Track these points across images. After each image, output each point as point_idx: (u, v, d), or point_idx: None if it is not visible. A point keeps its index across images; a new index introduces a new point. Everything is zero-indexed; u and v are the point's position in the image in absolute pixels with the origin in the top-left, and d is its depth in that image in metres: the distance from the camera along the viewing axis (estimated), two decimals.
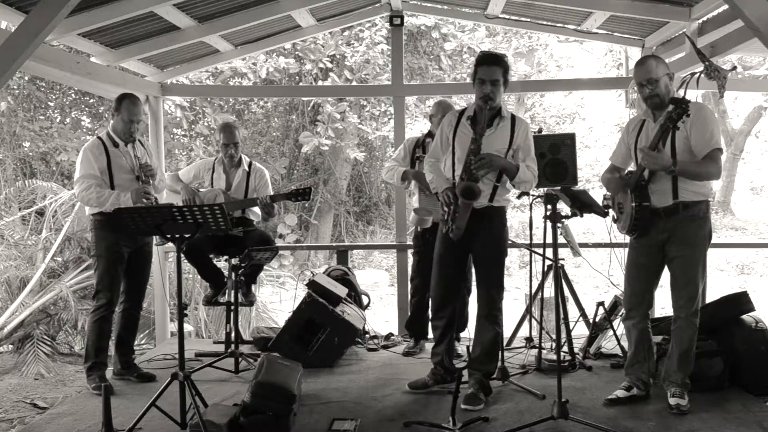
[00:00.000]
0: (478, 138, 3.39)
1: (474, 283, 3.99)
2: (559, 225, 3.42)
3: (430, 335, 4.16)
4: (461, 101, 13.49)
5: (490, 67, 3.41)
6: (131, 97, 4.06)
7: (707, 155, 3.27)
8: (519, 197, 4.21)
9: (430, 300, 3.92)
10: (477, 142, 3.39)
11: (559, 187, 3.55)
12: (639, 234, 3.47)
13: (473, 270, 3.83)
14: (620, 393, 3.52)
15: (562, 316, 3.90)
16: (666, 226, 3.38)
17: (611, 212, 3.67)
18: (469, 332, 4.03)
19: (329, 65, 10.91)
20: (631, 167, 3.62)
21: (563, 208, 3.45)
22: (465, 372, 3.53)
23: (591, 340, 4.51)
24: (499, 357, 3.74)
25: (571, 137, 4.02)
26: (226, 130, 4.62)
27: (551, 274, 4.26)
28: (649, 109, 3.43)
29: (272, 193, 4.62)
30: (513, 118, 3.56)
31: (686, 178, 3.30)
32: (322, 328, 4.39)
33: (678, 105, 3.12)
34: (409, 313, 4.84)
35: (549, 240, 3.60)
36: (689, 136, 3.29)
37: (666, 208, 3.36)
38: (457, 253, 3.62)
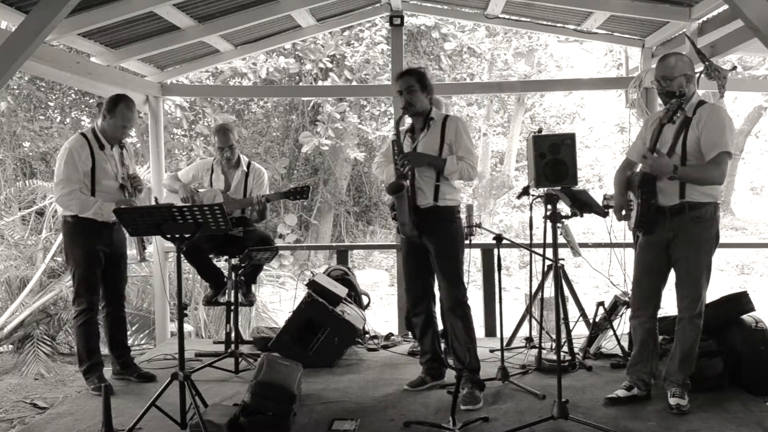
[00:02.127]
0: (397, 138, 3.72)
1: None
2: (559, 225, 3.42)
3: None
4: (461, 101, 13.54)
5: (404, 77, 3.72)
6: (127, 100, 3.94)
7: (713, 158, 3.24)
8: (519, 197, 4.22)
9: None
10: (398, 142, 3.71)
11: (559, 187, 3.54)
12: (645, 231, 3.47)
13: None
14: (621, 393, 3.51)
15: (562, 316, 3.90)
16: (671, 225, 3.36)
17: (611, 212, 3.67)
18: None
19: (329, 65, 10.91)
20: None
21: (563, 208, 3.45)
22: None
23: (591, 340, 4.50)
24: (476, 347, 3.74)
25: (571, 137, 4.01)
26: (220, 133, 4.61)
27: (551, 274, 4.25)
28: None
29: (268, 194, 4.60)
30: (445, 118, 3.76)
31: (687, 182, 3.29)
32: (322, 328, 4.39)
33: (674, 99, 3.14)
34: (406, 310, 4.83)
35: (549, 240, 3.60)
36: (700, 136, 3.27)
37: (672, 207, 3.34)
38: (417, 254, 3.78)
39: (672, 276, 3.50)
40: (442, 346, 4.01)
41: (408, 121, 3.91)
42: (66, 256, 4.04)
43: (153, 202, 4.85)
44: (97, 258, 3.92)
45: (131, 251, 4.34)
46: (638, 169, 3.55)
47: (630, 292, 3.81)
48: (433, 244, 3.69)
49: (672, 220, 3.35)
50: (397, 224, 3.75)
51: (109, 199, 3.88)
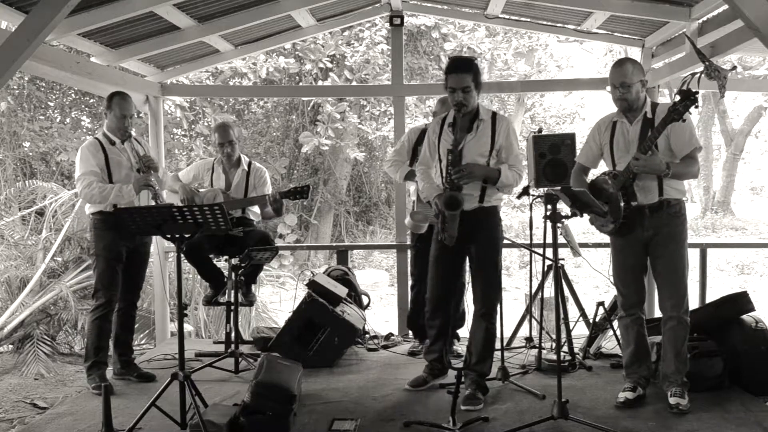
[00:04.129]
0: (455, 148, 3.42)
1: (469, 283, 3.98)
2: (559, 225, 3.42)
3: None
4: None
5: (459, 75, 3.43)
6: (120, 93, 4.09)
7: (689, 155, 3.36)
8: (519, 197, 4.21)
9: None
10: (454, 152, 3.41)
11: (559, 187, 3.54)
12: (625, 232, 3.48)
13: (468, 268, 3.82)
14: (629, 395, 3.49)
15: (562, 316, 3.90)
16: (650, 223, 3.41)
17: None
18: (467, 328, 4.02)
19: (329, 65, 10.91)
20: (603, 167, 3.65)
21: (563, 208, 3.45)
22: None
23: (591, 340, 4.51)
24: (493, 357, 3.74)
25: (571, 137, 4.01)
26: (220, 130, 4.63)
27: (551, 274, 4.26)
28: (621, 111, 3.49)
29: (272, 192, 4.61)
30: (493, 116, 3.58)
31: (675, 179, 3.37)
32: (322, 328, 4.39)
33: (686, 97, 3.11)
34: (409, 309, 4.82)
35: (549, 240, 3.59)
36: (669, 136, 3.33)
37: (651, 205, 3.40)
38: (451, 255, 3.64)
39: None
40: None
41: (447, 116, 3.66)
42: (91, 252, 4.16)
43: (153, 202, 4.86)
44: (117, 252, 4.00)
45: None
46: (610, 173, 3.53)
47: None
48: (477, 247, 3.57)
49: (651, 218, 3.41)
50: (443, 234, 3.52)
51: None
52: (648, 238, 3.44)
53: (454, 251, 3.59)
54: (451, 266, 3.67)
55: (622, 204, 3.39)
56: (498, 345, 4.04)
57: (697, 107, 3.16)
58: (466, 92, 3.43)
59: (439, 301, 3.73)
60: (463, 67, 3.45)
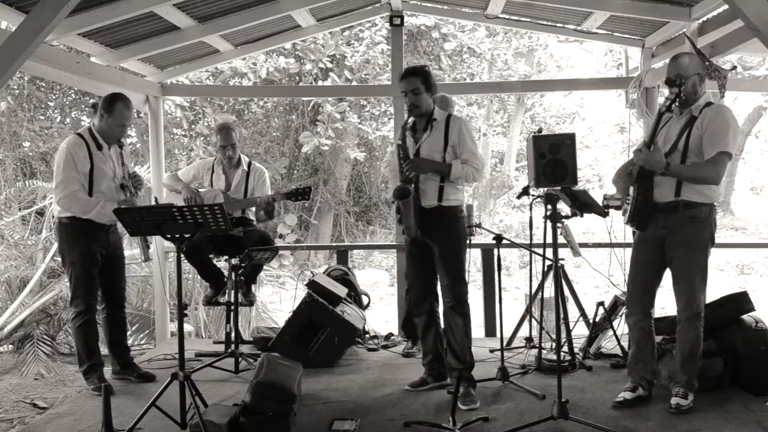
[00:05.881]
0: (404, 143, 3.71)
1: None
2: (559, 225, 3.42)
3: None
4: (460, 101, 13.54)
5: (408, 78, 3.68)
6: (125, 99, 3.90)
7: (711, 158, 3.23)
8: (519, 197, 4.22)
9: None
10: (403, 147, 3.69)
11: (559, 187, 3.54)
12: (638, 227, 3.48)
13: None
14: (627, 395, 3.49)
15: (562, 316, 3.90)
16: (665, 222, 3.37)
17: (611, 212, 3.67)
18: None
19: (329, 65, 10.90)
20: None
21: (563, 208, 3.45)
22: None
23: (591, 340, 4.51)
24: (471, 345, 3.77)
25: (571, 137, 4.01)
26: (223, 132, 4.61)
27: (551, 274, 4.25)
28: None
29: (271, 193, 4.61)
30: (448, 117, 3.75)
31: (681, 180, 3.29)
32: (322, 328, 4.39)
33: (674, 87, 3.13)
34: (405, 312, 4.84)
35: (549, 240, 3.60)
36: (703, 135, 3.26)
37: (666, 204, 3.35)
38: (421, 253, 3.80)
39: (669, 276, 3.50)
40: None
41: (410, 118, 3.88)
42: (62, 258, 4.00)
43: (153, 202, 4.85)
44: (93, 258, 3.90)
45: (134, 251, 4.33)
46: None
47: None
48: (437, 243, 3.70)
49: (666, 217, 3.36)
50: (402, 227, 3.74)
51: (108, 199, 3.86)
52: (662, 238, 3.39)
53: (422, 248, 3.76)
54: (423, 261, 3.81)
55: (635, 195, 3.37)
56: (498, 345, 4.06)
57: (680, 97, 3.17)
58: (416, 94, 3.66)
59: (420, 297, 3.90)
60: (411, 73, 3.70)
